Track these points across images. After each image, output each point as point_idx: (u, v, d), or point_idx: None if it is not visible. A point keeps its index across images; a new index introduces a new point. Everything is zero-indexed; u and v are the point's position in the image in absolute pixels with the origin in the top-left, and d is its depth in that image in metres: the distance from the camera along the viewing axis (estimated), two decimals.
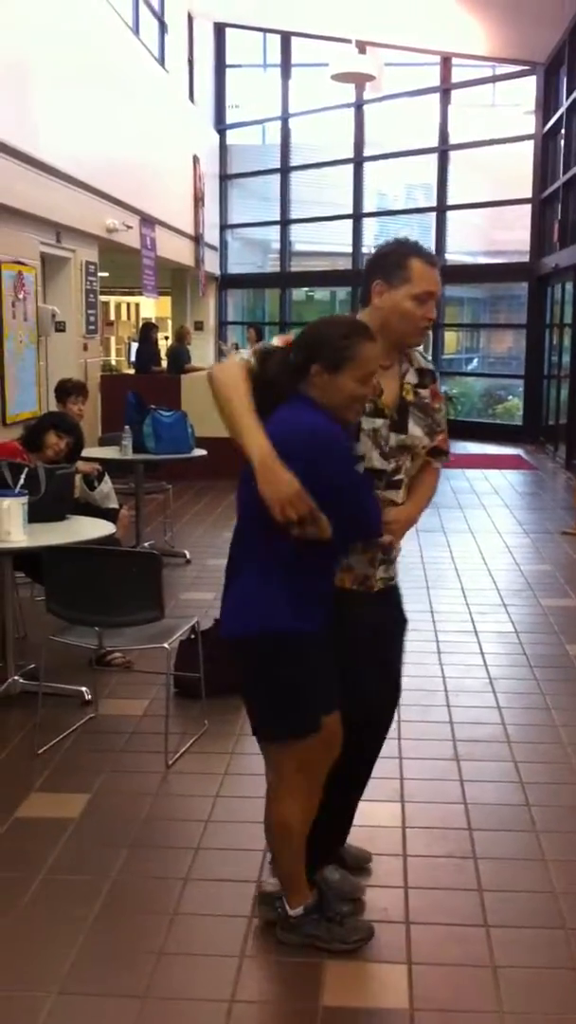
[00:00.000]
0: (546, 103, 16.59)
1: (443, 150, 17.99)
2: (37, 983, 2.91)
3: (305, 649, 2.90)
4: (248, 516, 2.91)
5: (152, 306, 21.45)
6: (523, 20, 14.89)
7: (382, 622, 3.24)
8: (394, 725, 4.80)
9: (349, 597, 3.10)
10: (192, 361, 15.10)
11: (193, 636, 4.79)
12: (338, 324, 2.95)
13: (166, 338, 19.11)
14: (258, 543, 2.88)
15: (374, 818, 3.85)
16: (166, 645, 4.44)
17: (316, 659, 2.93)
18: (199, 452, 8.12)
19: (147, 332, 16.11)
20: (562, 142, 15.55)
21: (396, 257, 3.07)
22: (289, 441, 2.77)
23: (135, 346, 17.09)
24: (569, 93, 14.69)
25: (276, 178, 19.90)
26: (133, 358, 16.78)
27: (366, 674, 3.15)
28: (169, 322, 20.13)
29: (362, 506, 2.93)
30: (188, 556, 8.00)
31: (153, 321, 18.44)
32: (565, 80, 15.15)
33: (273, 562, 2.86)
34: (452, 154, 18.02)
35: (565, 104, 14.94)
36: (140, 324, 19.14)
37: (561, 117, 15.39)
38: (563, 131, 15.38)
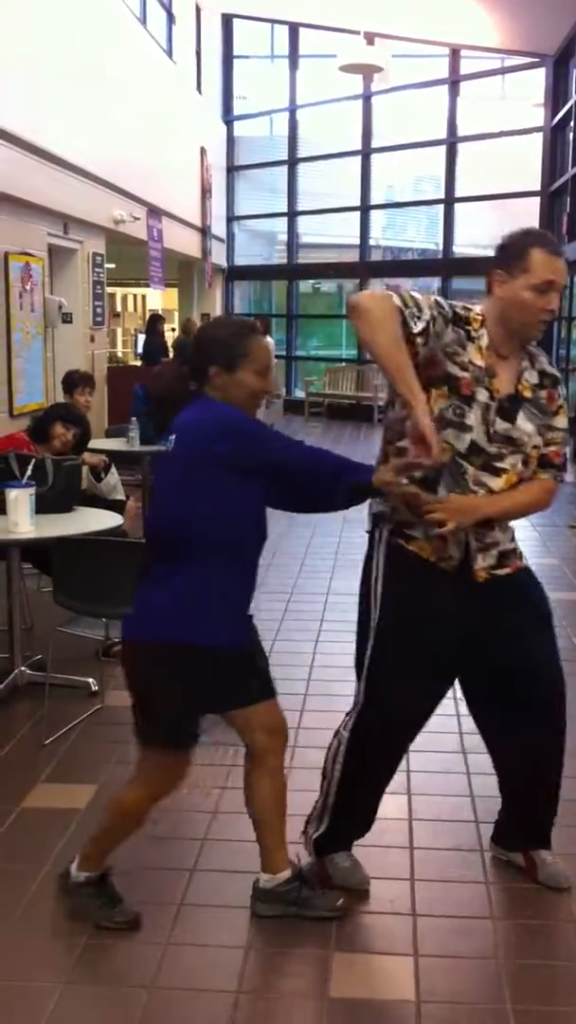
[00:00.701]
0: (555, 95, 16.54)
1: (451, 142, 17.94)
2: (44, 973, 2.92)
3: (213, 662, 2.94)
4: (180, 517, 2.90)
5: (159, 298, 21.42)
6: (532, 12, 14.84)
7: (468, 617, 3.11)
8: None
9: (428, 571, 3.07)
10: None
11: None
12: (226, 324, 3.16)
13: (173, 330, 19.08)
14: (196, 547, 2.89)
15: (381, 810, 3.82)
16: None
17: (212, 674, 2.96)
18: None
19: (154, 324, 16.08)
20: (571, 135, 15.52)
21: (517, 247, 3.04)
22: (205, 426, 2.87)
23: (141, 338, 17.06)
24: None
25: (283, 170, 19.86)
26: (140, 350, 16.75)
27: (401, 666, 3.14)
28: (176, 314, 20.11)
29: (304, 465, 2.93)
30: None
31: (160, 313, 18.42)
32: (574, 72, 15.10)
33: (208, 569, 2.90)
34: (460, 146, 17.97)
35: (574, 96, 14.89)
36: (147, 316, 19.10)
37: (570, 109, 15.35)
38: (572, 123, 15.34)
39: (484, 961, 3.00)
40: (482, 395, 3.00)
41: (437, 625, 3.09)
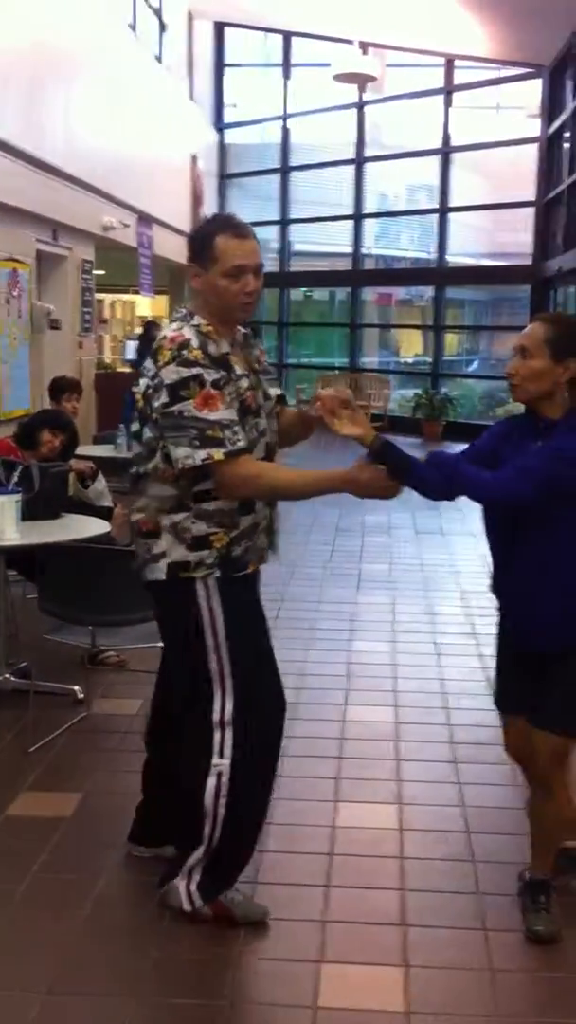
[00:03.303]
0: (551, 106, 16.54)
1: (446, 152, 17.96)
2: (28, 983, 2.86)
3: None
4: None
5: (148, 305, 21.37)
6: (528, 22, 14.84)
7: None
8: (392, 727, 4.75)
9: (251, 582, 3.17)
10: None
11: None
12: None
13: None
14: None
15: (373, 820, 3.81)
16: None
17: None
18: None
19: (148, 331, 16.00)
20: (566, 145, 15.52)
21: (201, 239, 3.02)
22: None
23: (130, 344, 16.99)
24: (574, 96, 14.65)
25: (276, 178, 19.86)
26: (129, 356, 16.65)
27: (264, 678, 3.20)
28: (166, 321, 20.05)
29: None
30: None
31: (154, 320, 18.35)
32: (570, 83, 15.11)
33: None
34: (455, 156, 17.99)
35: (570, 107, 14.91)
36: (143, 323, 19.00)
37: (566, 120, 15.36)
38: (568, 134, 15.35)
39: (475, 972, 2.96)
40: (258, 396, 3.06)
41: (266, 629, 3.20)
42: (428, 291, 18.54)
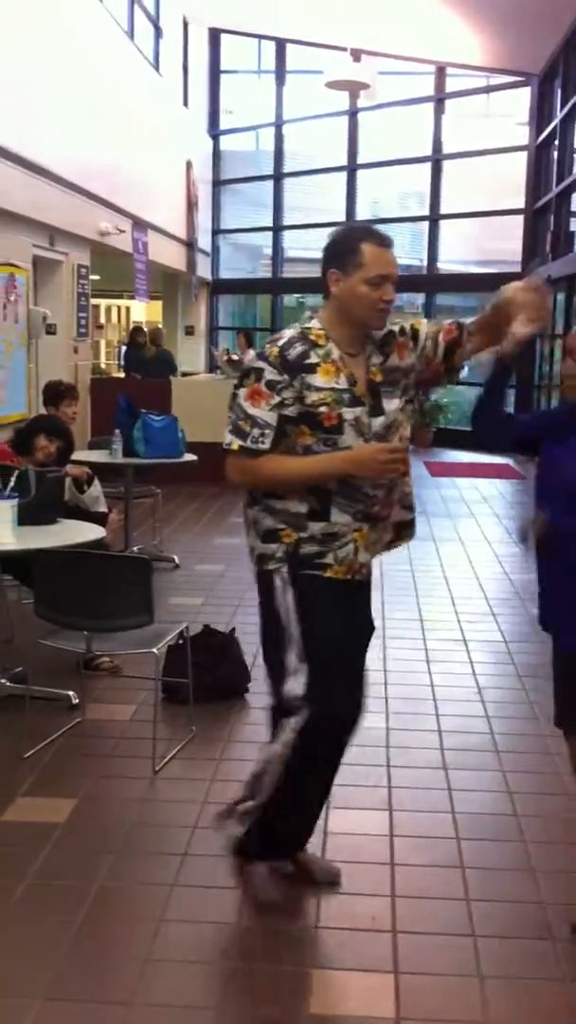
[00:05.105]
0: (540, 114, 16.65)
1: (436, 159, 18.03)
2: (22, 989, 2.89)
3: None
4: None
5: (143, 310, 21.41)
6: (518, 31, 14.94)
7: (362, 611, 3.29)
8: (382, 733, 4.80)
9: (339, 591, 3.16)
10: (182, 365, 15.10)
11: (181, 641, 4.78)
12: None
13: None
14: None
15: (362, 826, 3.85)
16: (155, 650, 4.42)
17: None
18: (189, 457, 8.10)
19: (135, 336, 16.13)
20: (555, 153, 15.61)
21: (347, 244, 3.08)
22: None
23: (123, 349, 17.12)
24: (563, 104, 14.74)
25: (269, 184, 19.92)
26: (122, 361, 16.78)
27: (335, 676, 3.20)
28: (160, 326, 20.12)
29: None
30: (177, 561, 7.98)
31: (142, 325, 18.42)
32: (559, 91, 15.20)
33: None
34: (445, 163, 18.06)
35: (559, 115, 14.99)
36: (130, 328, 19.13)
37: (555, 128, 15.45)
38: (556, 142, 15.43)
39: (464, 979, 2.99)
40: (349, 413, 3.03)
41: (351, 634, 3.20)
42: (419, 298, 18.62)
